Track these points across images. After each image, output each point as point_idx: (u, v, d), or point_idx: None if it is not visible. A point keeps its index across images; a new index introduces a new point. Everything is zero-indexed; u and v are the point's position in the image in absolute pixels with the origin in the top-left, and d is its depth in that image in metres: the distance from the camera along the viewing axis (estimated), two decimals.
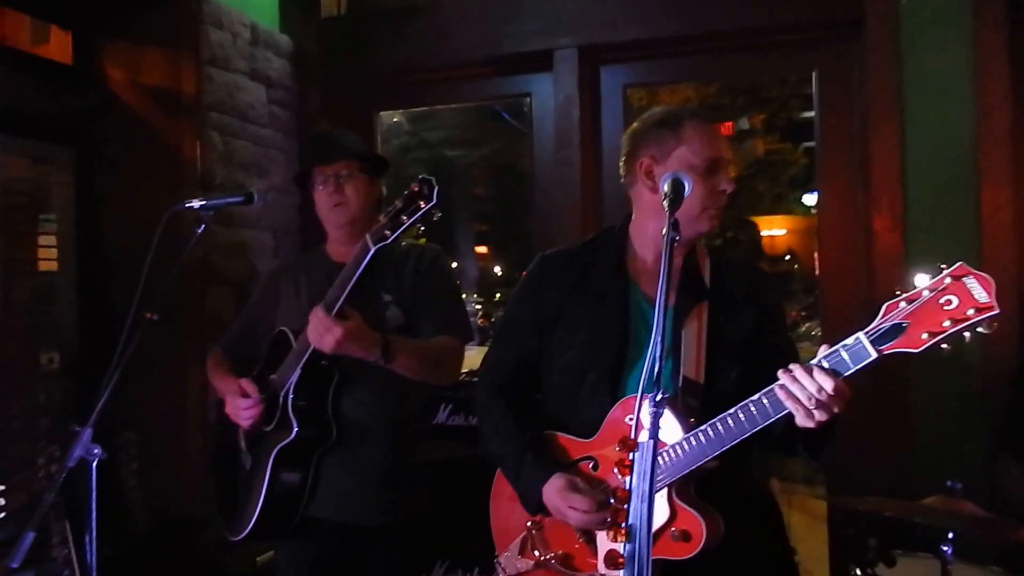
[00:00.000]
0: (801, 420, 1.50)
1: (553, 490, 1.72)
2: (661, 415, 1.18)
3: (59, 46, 3.12)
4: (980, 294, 1.35)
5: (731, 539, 1.63)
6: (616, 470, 1.56)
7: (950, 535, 2.09)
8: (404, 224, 1.97)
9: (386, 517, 2.24)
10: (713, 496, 1.66)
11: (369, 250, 2.03)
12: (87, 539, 1.78)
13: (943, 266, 1.38)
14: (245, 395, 2.24)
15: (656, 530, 1.59)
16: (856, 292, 3.11)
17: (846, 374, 1.46)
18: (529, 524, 1.83)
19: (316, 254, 2.45)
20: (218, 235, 3.16)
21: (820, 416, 1.48)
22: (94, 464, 1.81)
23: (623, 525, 1.12)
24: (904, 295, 1.40)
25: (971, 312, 1.34)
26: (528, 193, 3.61)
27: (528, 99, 3.56)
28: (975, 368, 2.83)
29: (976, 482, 2.43)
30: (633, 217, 1.92)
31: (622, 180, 1.92)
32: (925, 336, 1.37)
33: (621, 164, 1.91)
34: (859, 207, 3.11)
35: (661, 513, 1.61)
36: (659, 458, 1.57)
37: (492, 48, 3.45)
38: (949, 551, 2.09)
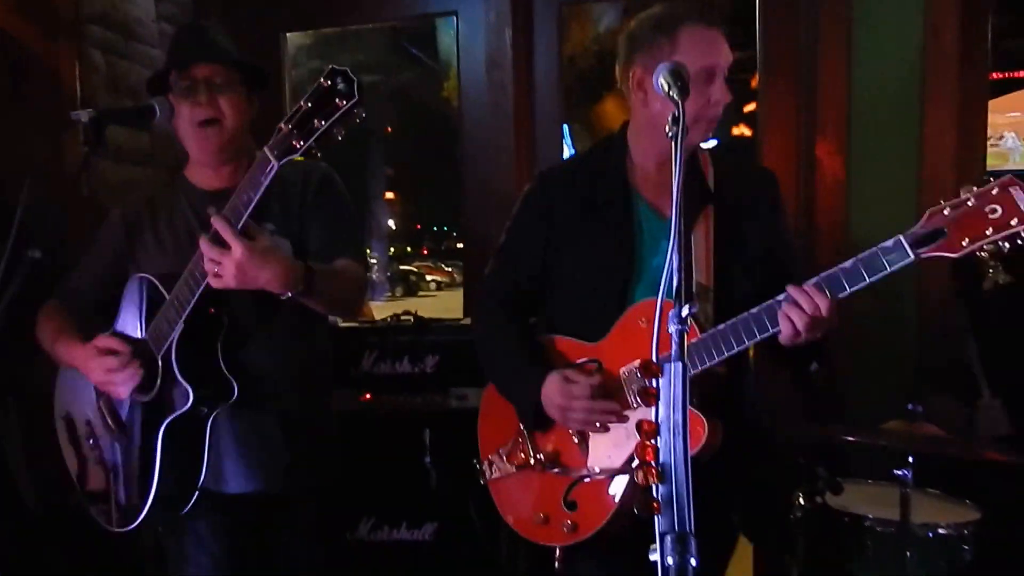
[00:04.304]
0: (786, 339, 1.52)
1: (552, 389, 1.70)
2: (687, 332, 1.01)
3: None
4: None
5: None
6: (633, 387, 1.65)
7: (910, 459, 2.03)
8: (319, 129, 1.54)
9: (295, 481, 1.97)
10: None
11: (272, 166, 1.61)
12: None
13: (991, 178, 1.40)
14: (110, 351, 1.85)
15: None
16: (795, 218, 3.00)
17: (875, 278, 1.46)
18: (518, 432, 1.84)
19: (174, 184, 2.05)
20: (107, 172, 2.80)
21: (807, 337, 1.50)
22: None
23: (653, 464, 0.95)
24: (949, 202, 1.41)
25: (1015, 222, 1.36)
26: (455, 123, 3.34)
27: (454, 18, 3.26)
28: (908, 294, 2.79)
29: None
30: (629, 126, 1.85)
31: (618, 85, 1.80)
32: (966, 242, 1.39)
33: (617, 69, 1.80)
34: (800, 132, 2.99)
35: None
36: None
37: None
38: (908, 475, 2.03)
